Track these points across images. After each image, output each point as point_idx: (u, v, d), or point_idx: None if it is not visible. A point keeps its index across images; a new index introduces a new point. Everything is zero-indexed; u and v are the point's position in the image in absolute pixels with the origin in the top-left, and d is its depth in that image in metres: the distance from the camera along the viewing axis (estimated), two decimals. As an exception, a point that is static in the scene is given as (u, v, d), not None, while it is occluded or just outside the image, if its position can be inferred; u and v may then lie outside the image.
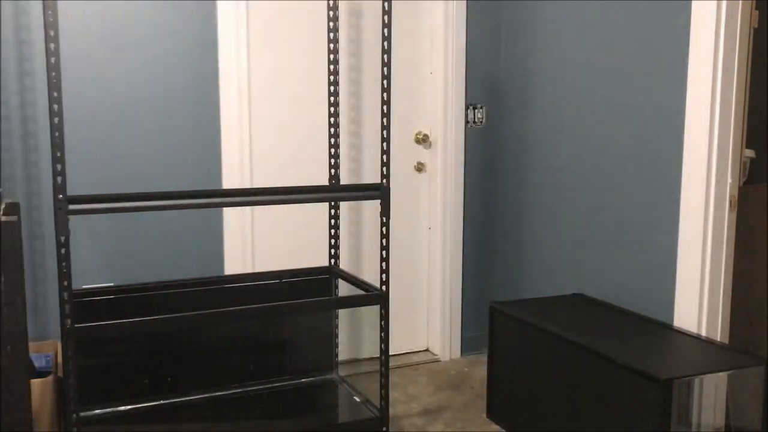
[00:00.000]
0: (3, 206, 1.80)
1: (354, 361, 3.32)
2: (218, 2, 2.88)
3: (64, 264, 2.01)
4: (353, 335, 3.34)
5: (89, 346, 2.41)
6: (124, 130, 2.79)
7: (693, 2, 2.42)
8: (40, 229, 2.69)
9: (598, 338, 2.38)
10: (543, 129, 3.20)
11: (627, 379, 2.13)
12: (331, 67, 2.84)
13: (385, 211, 2.44)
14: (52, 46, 1.91)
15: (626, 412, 2.16)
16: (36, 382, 2.21)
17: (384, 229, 2.45)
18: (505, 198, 3.50)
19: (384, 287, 2.47)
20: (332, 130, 2.87)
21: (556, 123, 3.12)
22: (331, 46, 2.82)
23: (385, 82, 2.38)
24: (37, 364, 2.40)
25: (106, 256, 2.82)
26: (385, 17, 2.33)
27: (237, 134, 2.95)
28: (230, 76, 2.92)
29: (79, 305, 2.19)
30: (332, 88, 2.85)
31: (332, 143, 2.87)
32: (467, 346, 3.55)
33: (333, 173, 2.87)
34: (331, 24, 2.81)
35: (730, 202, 2.46)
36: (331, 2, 2.80)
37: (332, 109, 2.86)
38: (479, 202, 3.52)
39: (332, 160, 2.88)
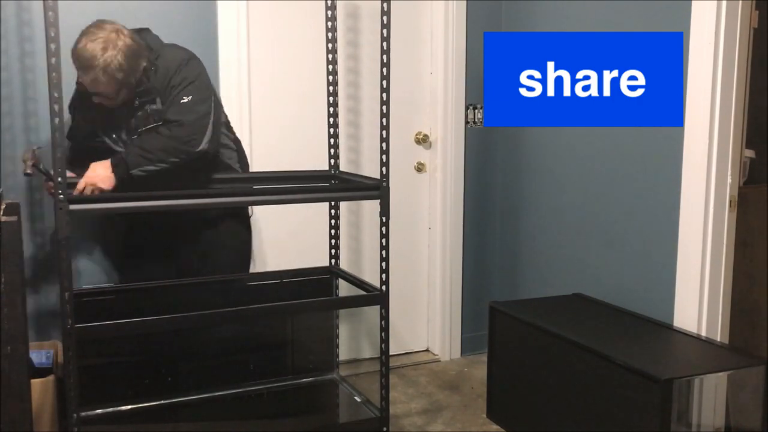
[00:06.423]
0: (3, 206, 1.81)
1: (354, 361, 3.32)
2: (218, 2, 2.88)
3: (64, 264, 2.01)
4: (353, 335, 3.34)
5: (89, 346, 2.41)
6: (125, 130, 2.79)
7: (693, 2, 2.42)
8: (41, 225, 2.69)
9: (598, 338, 2.39)
10: (543, 129, 3.19)
11: (627, 379, 2.13)
12: (330, 67, 2.84)
13: (385, 211, 2.44)
14: (52, 46, 1.91)
15: (626, 412, 2.16)
16: (36, 382, 2.21)
17: (384, 229, 2.45)
18: (505, 198, 3.51)
19: (384, 287, 2.47)
20: (332, 130, 2.87)
21: (556, 123, 3.12)
22: (330, 46, 2.82)
23: (384, 82, 2.38)
24: (36, 360, 2.40)
25: (106, 256, 2.82)
26: (384, 18, 2.33)
27: (237, 133, 2.94)
28: (230, 75, 2.92)
29: (79, 305, 2.18)
30: (331, 88, 2.85)
31: (332, 143, 2.87)
32: (467, 346, 3.55)
33: (333, 173, 2.87)
34: (330, 24, 2.81)
35: (730, 202, 2.46)
36: (329, 2, 2.80)
37: (331, 109, 2.86)
38: (479, 202, 3.52)
39: (332, 161, 2.88)
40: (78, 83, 2.37)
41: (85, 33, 2.23)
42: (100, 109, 2.37)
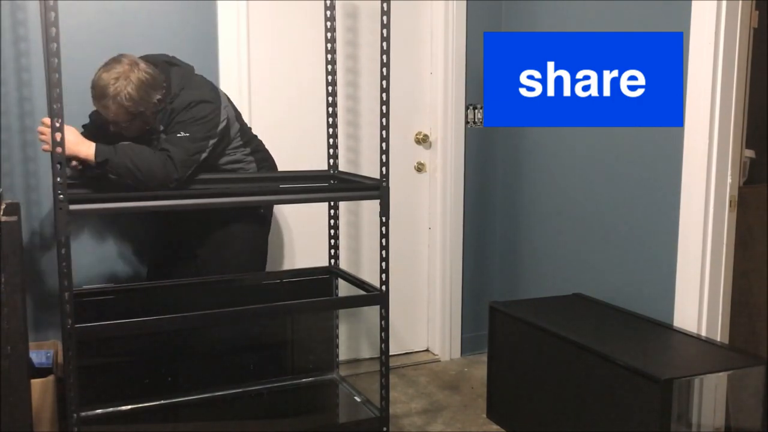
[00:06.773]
0: (3, 206, 1.81)
1: (354, 361, 3.32)
2: (218, 2, 2.88)
3: (64, 264, 2.01)
4: (353, 335, 3.34)
5: (89, 346, 2.41)
6: (124, 130, 2.79)
7: (693, 2, 2.42)
8: (40, 224, 2.69)
9: (598, 338, 2.39)
10: (543, 129, 3.19)
11: (627, 379, 2.13)
12: (329, 67, 2.84)
13: (385, 211, 2.44)
14: (53, 46, 1.90)
15: (626, 412, 2.16)
16: (36, 382, 2.21)
17: (384, 229, 2.45)
18: (505, 198, 3.51)
19: (384, 287, 2.47)
20: (331, 130, 2.87)
21: (556, 123, 3.12)
22: (329, 46, 2.82)
23: (384, 82, 2.38)
24: (36, 360, 2.40)
25: (107, 256, 2.82)
26: (384, 17, 2.33)
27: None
28: (230, 75, 2.92)
29: (79, 305, 2.18)
30: (330, 88, 2.85)
31: (331, 143, 2.87)
32: (467, 346, 3.55)
33: (333, 173, 2.87)
34: (329, 24, 2.81)
35: (730, 202, 2.46)
36: (328, 2, 2.80)
37: (330, 109, 2.86)
38: (479, 202, 3.52)
39: (331, 161, 2.88)
40: (94, 113, 2.46)
41: (104, 65, 2.31)
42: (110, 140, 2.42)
